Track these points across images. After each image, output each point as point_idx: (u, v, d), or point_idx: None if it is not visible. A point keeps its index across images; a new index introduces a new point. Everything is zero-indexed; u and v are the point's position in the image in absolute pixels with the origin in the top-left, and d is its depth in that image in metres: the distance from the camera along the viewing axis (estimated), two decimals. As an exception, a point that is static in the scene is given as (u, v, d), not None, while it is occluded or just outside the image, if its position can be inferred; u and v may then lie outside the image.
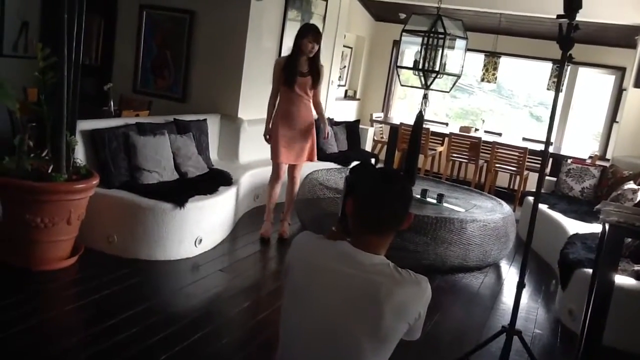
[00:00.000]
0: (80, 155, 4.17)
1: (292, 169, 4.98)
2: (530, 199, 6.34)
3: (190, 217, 4.26)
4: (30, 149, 3.72)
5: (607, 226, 2.93)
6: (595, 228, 5.06)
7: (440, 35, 5.02)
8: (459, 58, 5.24)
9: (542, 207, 5.98)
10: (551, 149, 8.45)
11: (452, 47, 5.17)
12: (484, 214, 4.99)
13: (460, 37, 5.19)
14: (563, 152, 7.87)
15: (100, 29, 6.86)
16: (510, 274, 5.10)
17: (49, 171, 3.66)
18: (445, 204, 5.19)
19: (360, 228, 1.71)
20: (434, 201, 5.23)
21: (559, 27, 2.81)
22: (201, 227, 4.38)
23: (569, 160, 6.78)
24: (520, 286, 2.92)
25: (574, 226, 5.12)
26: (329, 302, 1.65)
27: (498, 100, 12.23)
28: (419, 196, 5.29)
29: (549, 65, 8.43)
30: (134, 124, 4.63)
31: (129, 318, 3.31)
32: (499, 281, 4.89)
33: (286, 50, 6.58)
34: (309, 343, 1.69)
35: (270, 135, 4.85)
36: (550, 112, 2.86)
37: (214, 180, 4.82)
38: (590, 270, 3.86)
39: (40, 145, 3.80)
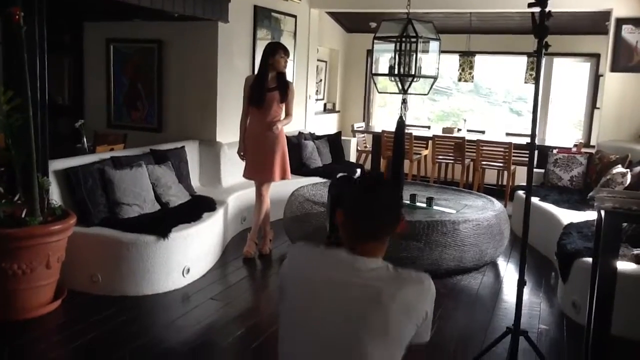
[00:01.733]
0: (55, 196, 4.04)
1: (259, 185, 4.94)
2: (521, 193, 6.27)
3: (176, 248, 4.13)
4: (1, 195, 3.59)
5: (603, 213, 2.84)
6: (590, 216, 4.99)
7: (413, 39, 4.95)
8: (434, 60, 5.18)
9: (534, 199, 5.89)
10: (536, 141, 8.37)
11: (426, 50, 5.10)
12: (476, 213, 4.89)
13: (432, 39, 5.13)
14: (547, 143, 7.83)
15: (70, 67, 6.76)
16: (508, 271, 4.99)
17: (23, 215, 3.52)
18: (435, 207, 5.09)
19: (354, 239, 1.66)
20: (424, 205, 5.13)
21: (531, 16, 2.75)
22: (188, 257, 4.25)
23: (555, 151, 6.73)
24: (521, 284, 2.82)
25: (568, 216, 5.04)
26: (332, 313, 1.56)
27: (477, 99, 12.22)
28: (408, 202, 5.19)
29: (524, 59, 8.41)
30: (108, 158, 4.51)
31: (120, 359, 3.16)
32: (498, 279, 4.78)
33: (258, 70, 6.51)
34: (316, 358, 1.59)
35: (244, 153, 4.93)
36: (533, 103, 2.80)
37: (197, 207, 4.70)
38: (590, 260, 3.78)
39: (12, 190, 3.67)
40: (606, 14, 6.88)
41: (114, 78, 6.28)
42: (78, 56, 6.51)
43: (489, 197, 5.61)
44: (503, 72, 10.65)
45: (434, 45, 5.19)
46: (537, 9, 2.76)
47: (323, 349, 1.57)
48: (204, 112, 5.96)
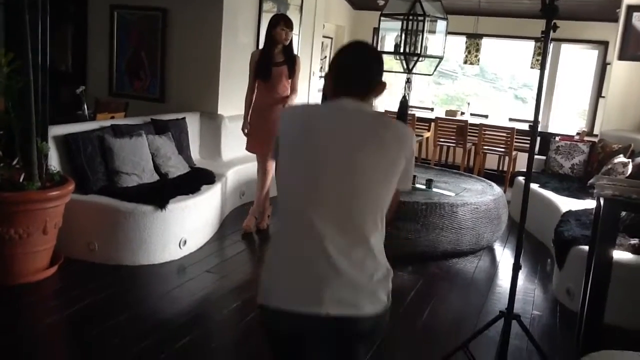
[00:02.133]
0: (54, 161, 4.02)
1: (263, 160, 4.88)
2: (521, 179, 6.25)
3: (173, 219, 4.13)
4: (-1, 159, 3.57)
5: (602, 201, 2.83)
6: (588, 204, 4.98)
7: (420, 18, 4.89)
8: (440, 40, 5.13)
9: (534, 186, 5.89)
10: (539, 128, 8.36)
11: (433, 30, 5.05)
12: (475, 197, 4.88)
13: (440, 18, 5.07)
14: (550, 130, 7.81)
15: (73, 34, 6.69)
16: (504, 256, 5.00)
17: (21, 180, 3.51)
18: (434, 189, 5.08)
19: (339, 95, 1.79)
20: (423, 187, 5.12)
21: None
22: (185, 228, 4.25)
23: (557, 138, 6.70)
24: (516, 268, 2.81)
25: (567, 203, 5.04)
26: (333, 142, 1.71)
27: (482, 84, 12.15)
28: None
29: (531, 44, 8.33)
30: (109, 126, 4.49)
31: (114, 326, 3.17)
32: (494, 264, 4.79)
33: (263, 43, 6.43)
34: (319, 183, 1.70)
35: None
36: (537, 87, 2.75)
37: (196, 180, 4.69)
38: (587, 247, 3.78)
39: (11, 154, 3.65)
40: (616, 1, 6.80)
41: (117, 46, 6.22)
42: (82, 23, 6.44)
43: (488, 181, 5.60)
44: (509, 55, 10.57)
45: (441, 25, 5.14)
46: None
47: (330, 166, 1.69)
48: (206, 84, 5.91)
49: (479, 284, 4.34)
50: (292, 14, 6.95)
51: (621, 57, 6.57)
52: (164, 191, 4.25)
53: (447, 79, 11.94)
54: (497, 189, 5.22)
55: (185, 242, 4.24)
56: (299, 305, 1.67)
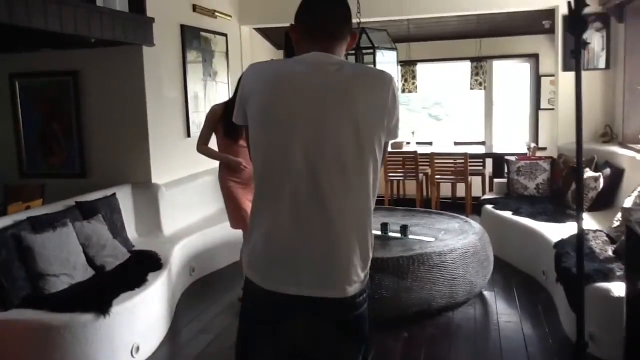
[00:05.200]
0: (-42, 276, 3.18)
1: None
2: (489, 207, 5.86)
3: (120, 323, 3.37)
4: None
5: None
6: (573, 228, 4.61)
7: (369, 50, 4.43)
8: (393, 70, 4.69)
9: (506, 214, 5.50)
10: (483, 150, 8.15)
11: (384, 62, 4.59)
12: (458, 240, 4.37)
13: (389, 49, 4.64)
14: (497, 150, 7.56)
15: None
16: (498, 301, 4.47)
17: None
18: (411, 236, 4.54)
19: (313, 40, 1.71)
20: (398, 235, 4.57)
21: (567, 5, 2.31)
22: (136, 331, 3.49)
23: (515, 158, 6.38)
24: (583, 347, 2.28)
25: (551, 230, 4.66)
26: (307, 98, 1.63)
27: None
28: (379, 232, 4.63)
29: (467, 64, 8.11)
30: (25, 219, 3.67)
31: None
32: (489, 312, 4.26)
33: (192, 97, 5.82)
34: (294, 145, 1.61)
35: (225, 194, 4.26)
36: (576, 113, 2.33)
37: (140, 267, 3.94)
38: (604, 285, 3.34)
39: None
40: (544, 13, 6.70)
41: (23, 119, 5.38)
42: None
43: (462, 217, 5.13)
44: (446, 79, 10.47)
45: (391, 56, 4.70)
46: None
47: (305, 125, 1.61)
48: (134, 149, 5.16)
49: (484, 341, 3.82)
50: (219, 61, 6.40)
51: (565, 68, 6.39)
52: (104, 290, 3.48)
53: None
54: (476, 226, 4.74)
55: (137, 348, 3.48)
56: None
